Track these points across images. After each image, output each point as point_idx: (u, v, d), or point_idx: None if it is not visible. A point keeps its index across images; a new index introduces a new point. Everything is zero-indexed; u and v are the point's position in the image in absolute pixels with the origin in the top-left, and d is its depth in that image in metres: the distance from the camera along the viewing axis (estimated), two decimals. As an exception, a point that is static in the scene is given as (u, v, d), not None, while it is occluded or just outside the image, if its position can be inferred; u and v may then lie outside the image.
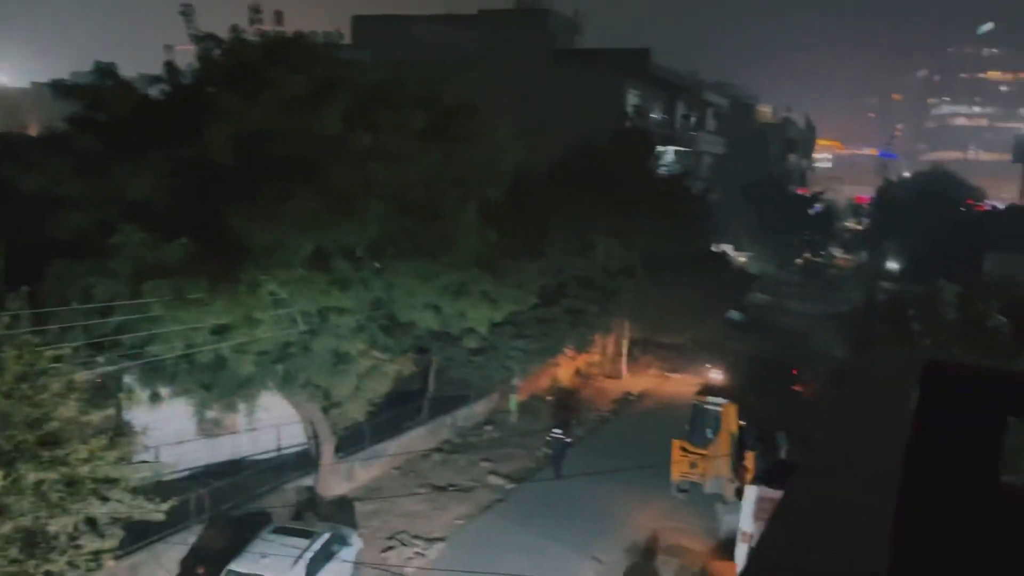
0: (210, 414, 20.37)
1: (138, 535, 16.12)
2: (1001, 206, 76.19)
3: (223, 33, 18.57)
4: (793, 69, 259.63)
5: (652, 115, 45.97)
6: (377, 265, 18.33)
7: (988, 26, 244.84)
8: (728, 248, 53.73)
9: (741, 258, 58.78)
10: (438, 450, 25.97)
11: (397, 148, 17.32)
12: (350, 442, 22.72)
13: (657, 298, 33.59)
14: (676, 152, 49.76)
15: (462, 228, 18.25)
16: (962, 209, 68.64)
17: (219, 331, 16.36)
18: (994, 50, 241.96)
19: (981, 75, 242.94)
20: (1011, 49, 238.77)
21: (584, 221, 28.64)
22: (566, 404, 30.48)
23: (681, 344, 38.25)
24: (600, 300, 28.89)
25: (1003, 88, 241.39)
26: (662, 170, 39.24)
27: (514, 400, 28.74)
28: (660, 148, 42.03)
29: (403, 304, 18.97)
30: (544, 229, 25.26)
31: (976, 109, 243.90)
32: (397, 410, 24.54)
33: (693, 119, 53.40)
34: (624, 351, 35.23)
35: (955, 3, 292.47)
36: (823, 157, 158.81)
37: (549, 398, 31.39)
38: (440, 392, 26.71)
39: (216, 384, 17.89)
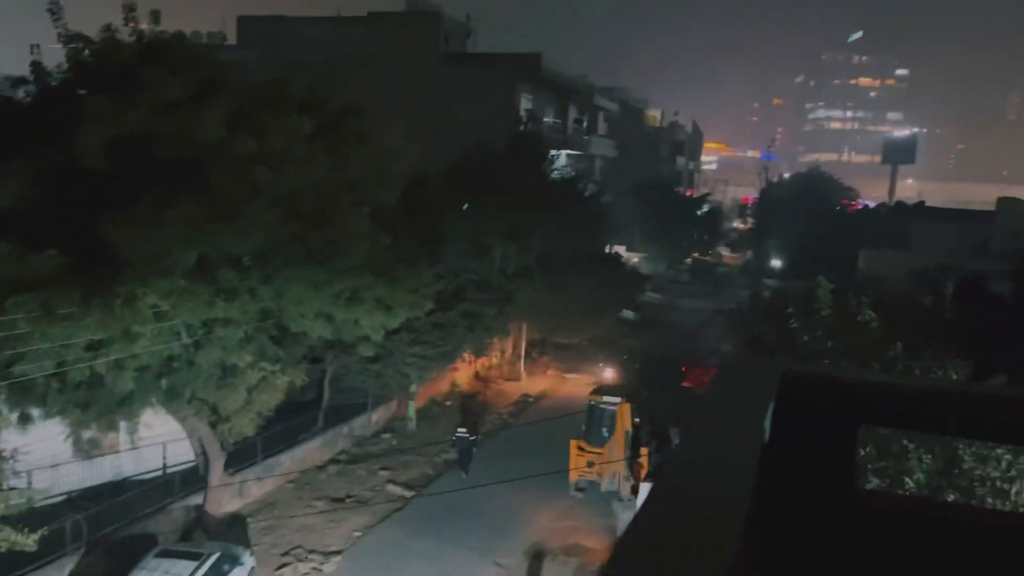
0: (88, 434, 19.26)
1: (6, 569, 15.05)
2: (872, 204, 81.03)
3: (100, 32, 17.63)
4: (681, 75, 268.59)
5: (545, 119, 46.45)
6: (265, 273, 17.75)
7: (858, 35, 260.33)
8: (621, 249, 54.91)
9: (634, 258, 60.20)
10: (335, 461, 25.42)
11: (284, 152, 16.84)
12: (241, 457, 21.94)
13: (553, 299, 34.04)
14: (569, 155, 50.49)
15: (353, 233, 17.92)
16: (837, 208, 72.57)
17: (94, 347, 15.47)
18: (863, 58, 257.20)
19: (852, 81, 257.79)
20: (878, 57, 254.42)
21: (480, 224, 28.70)
22: (469, 406, 30.50)
23: (578, 344, 38.82)
24: (497, 303, 28.99)
25: (872, 94, 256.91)
26: (556, 173, 39.71)
27: (412, 407, 28.48)
28: (553, 151, 42.56)
29: (293, 313, 18.46)
30: (440, 233, 25.16)
31: (849, 113, 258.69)
32: (291, 422, 23.88)
33: (585, 123, 54.31)
34: (522, 353, 35.48)
35: (828, 13, 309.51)
36: (710, 160, 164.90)
37: (448, 403, 31.27)
38: (336, 401, 26.18)
39: (93, 402, 16.92)
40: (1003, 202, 47.38)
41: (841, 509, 1.81)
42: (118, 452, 21.54)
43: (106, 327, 14.77)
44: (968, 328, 15.46)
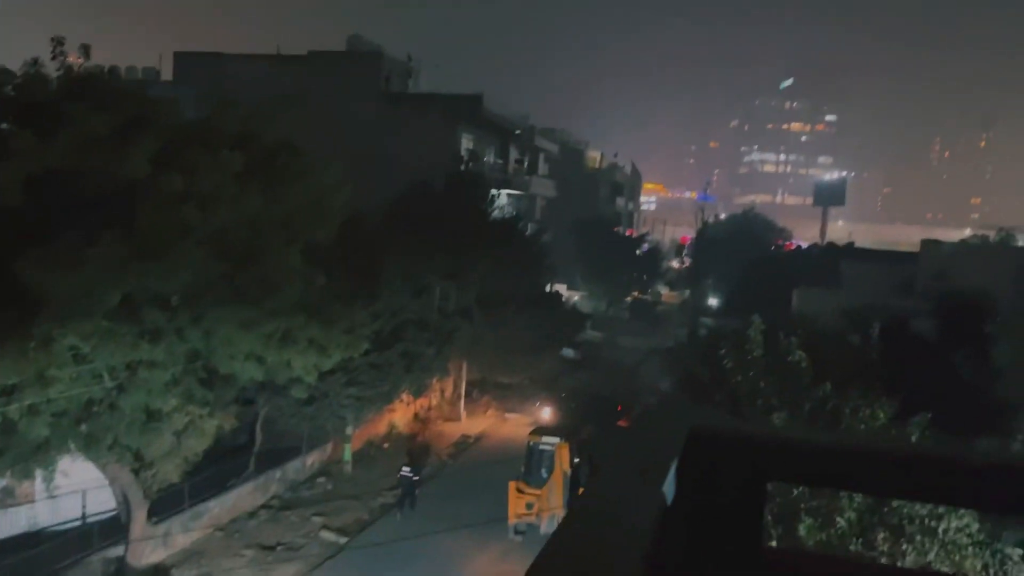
0: (0, 483, 18.27)
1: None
2: (805, 245, 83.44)
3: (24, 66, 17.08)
4: (621, 118, 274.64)
5: (486, 158, 46.76)
6: (193, 314, 17.22)
7: (788, 82, 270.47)
8: (563, 287, 55.24)
9: (575, 297, 60.62)
10: (266, 507, 24.59)
11: (214, 189, 16.48)
12: (167, 504, 21.05)
13: (493, 338, 33.91)
14: (510, 195, 50.81)
15: (286, 272, 17.57)
16: (772, 248, 74.55)
17: (7, 391, 14.72)
18: (794, 104, 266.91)
19: (785, 126, 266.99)
20: (808, 103, 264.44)
21: (420, 263, 28.50)
22: (412, 446, 30.08)
23: (519, 383, 38.65)
24: (436, 342, 28.71)
25: (803, 138, 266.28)
26: (496, 212, 39.87)
27: (348, 450, 27.83)
28: (494, 191, 42.77)
29: (223, 355, 17.93)
30: (378, 272, 24.87)
31: (782, 157, 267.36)
32: (220, 467, 23.06)
33: (526, 163, 54.85)
34: (462, 393, 35.14)
35: (761, 59, 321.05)
36: (649, 200, 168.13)
37: (386, 446, 30.67)
38: (269, 445, 25.41)
39: (6, 450, 16.07)
40: (926, 244, 49.16)
41: (744, 569, 1.74)
42: (33, 502, 20.48)
43: (19, 371, 14.07)
44: (893, 367, 15.84)
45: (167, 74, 46.85)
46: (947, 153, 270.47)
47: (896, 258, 55.35)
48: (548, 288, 46.97)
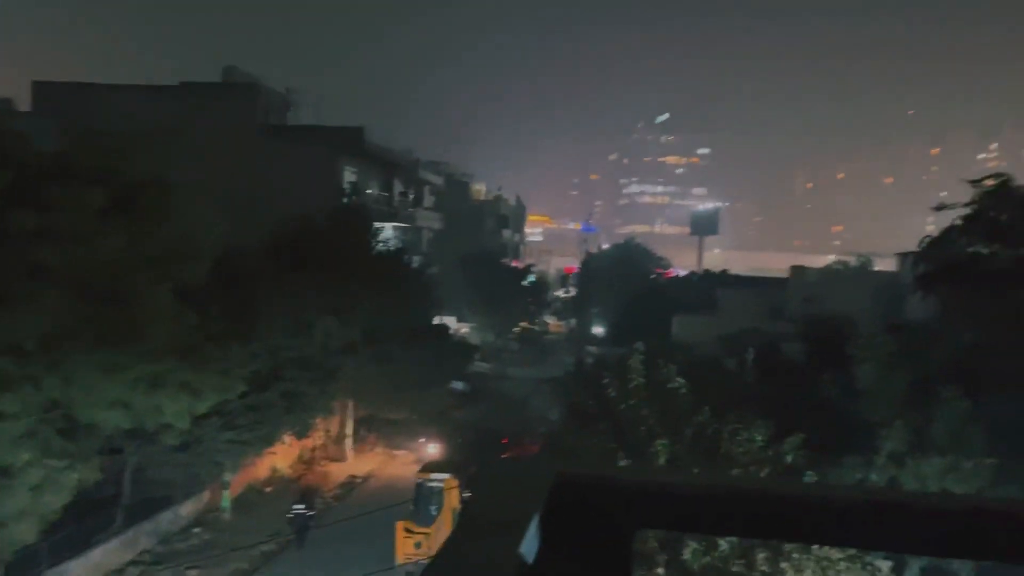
0: None
1: None
2: (683, 273, 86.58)
3: None
4: (506, 152, 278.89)
5: (370, 192, 46.23)
6: (50, 360, 15.99)
7: (664, 116, 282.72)
8: (450, 320, 55.02)
9: (464, 329, 60.49)
10: (136, 563, 23.00)
11: (72, 228, 15.45)
12: (22, 566, 19.32)
13: (380, 374, 33.25)
14: (395, 228, 50.38)
15: (154, 313, 16.62)
16: (652, 276, 76.92)
17: None
18: (670, 137, 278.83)
19: (661, 159, 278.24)
20: (683, 137, 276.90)
21: (301, 299, 27.66)
22: (302, 485, 29.09)
23: (407, 419, 38.00)
24: (320, 380, 27.86)
25: (679, 170, 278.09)
26: (381, 246, 39.36)
27: (227, 496, 26.49)
28: (378, 224, 42.26)
29: (84, 403, 16.72)
30: (256, 310, 23.94)
31: (660, 188, 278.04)
32: (84, 523, 21.42)
33: (411, 196, 54.61)
34: (348, 432, 34.21)
35: (637, 94, 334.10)
36: (535, 231, 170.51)
37: (268, 490, 29.41)
38: (139, 496, 23.83)
39: None
40: (794, 270, 51.93)
41: None
42: None
43: None
44: (767, 390, 16.46)
45: (26, 105, 44.09)
46: (809, 184, 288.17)
47: (768, 284, 58.20)
48: (436, 321, 46.65)
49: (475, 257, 65.74)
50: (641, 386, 14.81)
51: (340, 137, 43.58)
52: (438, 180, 62.40)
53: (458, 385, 46.39)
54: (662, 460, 14.09)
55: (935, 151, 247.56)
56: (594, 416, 16.56)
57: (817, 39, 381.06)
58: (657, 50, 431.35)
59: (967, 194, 18.31)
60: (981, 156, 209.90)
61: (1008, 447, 14.10)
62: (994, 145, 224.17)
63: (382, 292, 32.98)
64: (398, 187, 52.26)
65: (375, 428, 36.77)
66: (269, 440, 26.23)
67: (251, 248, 27.00)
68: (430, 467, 24.48)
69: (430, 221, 59.24)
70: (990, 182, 17.90)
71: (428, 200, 61.43)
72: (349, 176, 43.98)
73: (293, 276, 27.96)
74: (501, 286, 66.06)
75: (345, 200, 40.41)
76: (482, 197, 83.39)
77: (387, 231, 47.50)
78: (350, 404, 33.54)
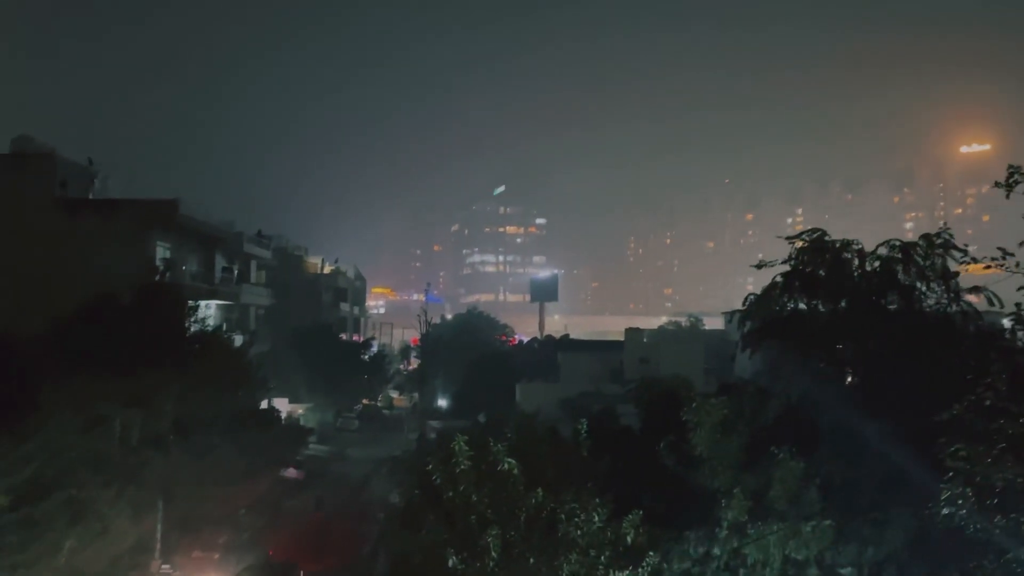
0: None
1: None
2: (526, 339, 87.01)
3: None
4: (347, 227, 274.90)
5: (186, 267, 42.91)
6: None
7: (501, 188, 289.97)
8: (283, 401, 51.68)
9: (299, 411, 57.06)
10: None
11: None
12: None
13: (197, 468, 29.96)
14: (218, 306, 47.03)
15: None
16: (495, 344, 76.59)
17: None
18: (508, 209, 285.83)
19: (501, 229, 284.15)
20: (520, 207, 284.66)
21: (95, 390, 24.41)
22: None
23: (231, 515, 34.50)
24: (118, 482, 24.44)
25: (519, 240, 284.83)
26: (200, 326, 36.20)
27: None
28: (198, 302, 39.07)
29: None
30: (33, 405, 20.70)
31: (500, 258, 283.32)
32: None
33: (236, 271, 51.40)
34: (158, 536, 30.38)
35: (475, 167, 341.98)
36: (378, 304, 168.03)
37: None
38: None
39: None
40: (629, 332, 52.86)
41: None
42: None
43: None
44: (604, 462, 15.54)
45: None
46: (640, 250, 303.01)
47: (606, 347, 59.07)
48: (266, 404, 43.48)
49: (311, 333, 62.77)
50: (468, 470, 13.44)
51: (152, 210, 40.28)
52: (265, 254, 59.40)
53: (291, 472, 43.25)
54: (494, 552, 12.69)
55: (750, 216, 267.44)
56: (421, 507, 14.99)
57: (637, 109, 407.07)
58: (493, 123, 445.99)
59: (784, 253, 18.62)
60: (789, 220, 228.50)
61: (842, 505, 13.80)
62: (800, 210, 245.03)
63: (198, 377, 30.06)
64: (221, 262, 49.05)
65: (192, 529, 33.00)
66: (48, 561, 22.40)
67: (37, 333, 23.69)
68: (252, 570, 21.80)
69: (258, 297, 56.04)
70: (799, 243, 18.26)
71: (256, 275, 58.24)
72: (162, 251, 40.64)
73: (88, 363, 24.76)
74: (339, 362, 63.24)
75: (157, 277, 37.10)
76: (318, 270, 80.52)
77: (209, 310, 44.18)
78: (159, 506, 29.85)
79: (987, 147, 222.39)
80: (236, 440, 31.82)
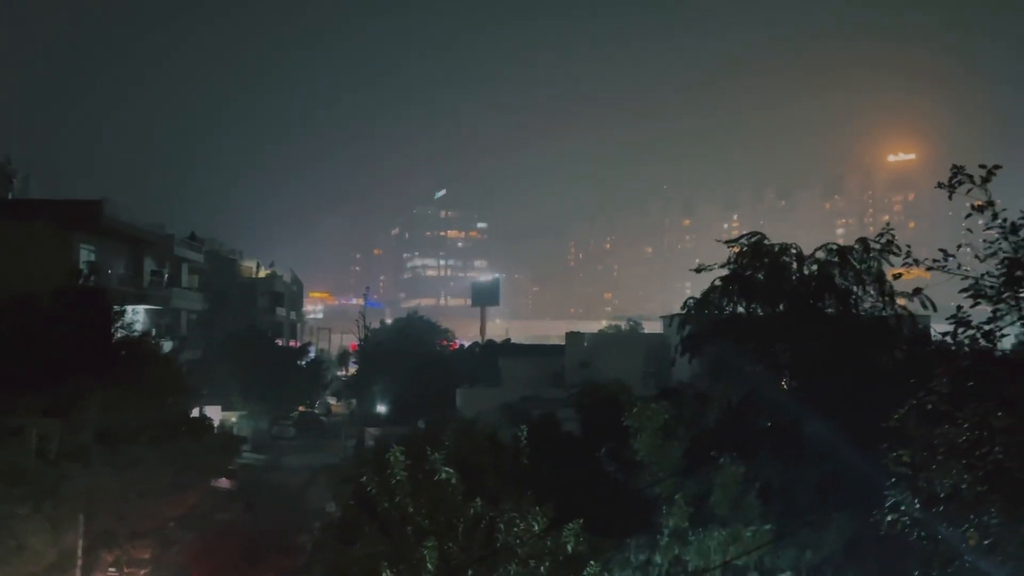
0: None
1: None
2: (467, 344, 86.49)
3: None
4: (285, 230, 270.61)
5: (113, 271, 41.26)
6: None
7: (442, 192, 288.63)
8: (216, 409, 50.12)
9: (232, 418, 55.47)
10: None
11: None
12: None
13: (122, 480, 28.65)
14: (146, 311, 45.38)
15: None
16: (436, 349, 75.84)
17: None
18: (449, 213, 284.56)
19: (442, 233, 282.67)
20: (461, 212, 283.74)
21: (10, 399, 23.13)
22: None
23: (158, 529, 33.16)
24: (35, 496, 23.20)
25: (460, 244, 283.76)
26: (123, 331, 34.75)
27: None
28: (126, 307, 37.57)
29: None
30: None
31: (442, 262, 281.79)
32: None
33: (166, 275, 49.70)
34: (79, 553, 28.97)
35: (415, 170, 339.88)
36: (315, 309, 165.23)
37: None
38: None
39: None
40: (570, 336, 52.86)
41: None
42: None
43: None
44: (545, 469, 15.24)
45: None
46: (581, 255, 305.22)
47: (547, 351, 59.00)
48: (197, 412, 42.04)
49: (244, 338, 61.08)
50: (404, 481, 12.98)
51: (75, 211, 38.65)
52: (198, 257, 57.67)
53: (223, 482, 41.90)
54: (430, 564, 12.26)
55: (687, 222, 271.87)
56: (356, 518, 14.45)
57: (579, 118, 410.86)
58: (433, 125, 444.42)
59: (722, 257, 18.65)
60: (726, 226, 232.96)
61: (781, 509, 13.76)
62: (735, 216, 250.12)
63: (123, 385, 28.79)
64: (150, 266, 47.37)
65: (116, 544, 31.59)
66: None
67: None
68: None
69: (190, 302, 54.34)
70: (737, 247, 18.31)
71: (188, 279, 56.48)
72: (87, 255, 39.00)
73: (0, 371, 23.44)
74: (275, 368, 61.68)
75: (81, 281, 35.51)
76: (253, 274, 78.63)
77: (136, 314, 42.57)
78: (81, 519, 28.47)
79: (912, 156, 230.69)
80: (164, 450, 30.54)
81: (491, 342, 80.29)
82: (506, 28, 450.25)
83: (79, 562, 28.95)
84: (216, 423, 46.33)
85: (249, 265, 78.30)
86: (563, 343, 53.87)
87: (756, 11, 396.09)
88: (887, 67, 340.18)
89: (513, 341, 79.48)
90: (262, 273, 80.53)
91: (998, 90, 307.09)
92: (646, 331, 74.91)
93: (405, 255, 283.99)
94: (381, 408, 64.46)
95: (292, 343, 79.73)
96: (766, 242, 17.53)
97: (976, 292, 8.35)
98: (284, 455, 55.08)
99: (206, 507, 36.87)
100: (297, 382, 67.10)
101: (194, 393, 39.73)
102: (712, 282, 18.14)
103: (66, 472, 25.13)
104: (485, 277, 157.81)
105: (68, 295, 31.62)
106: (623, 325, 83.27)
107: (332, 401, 79.48)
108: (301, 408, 69.41)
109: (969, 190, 8.54)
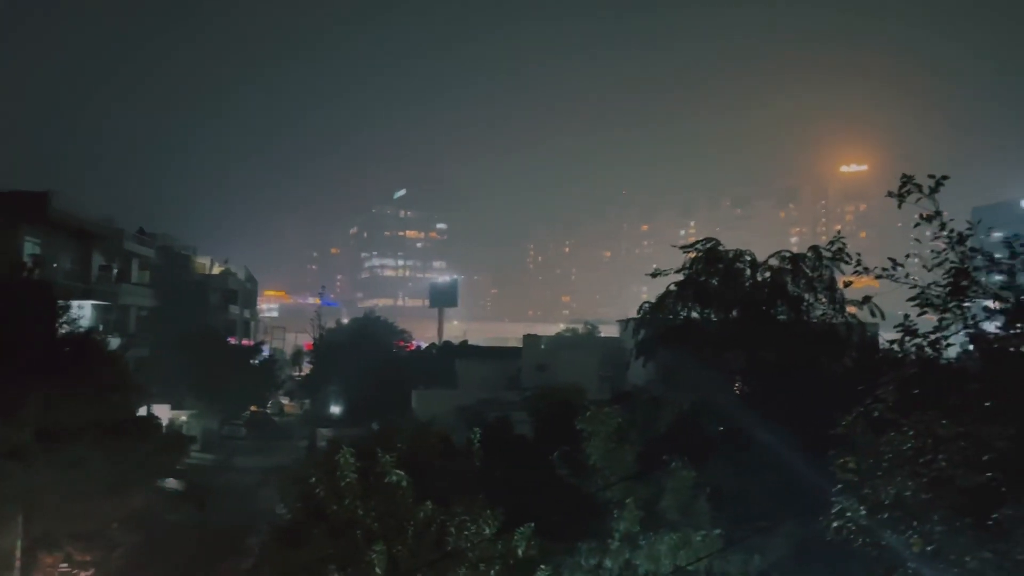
0: None
1: None
2: (424, 345, 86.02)
3: None
4: (243, 227, 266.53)
5: (59, 265, 40.13)
6: None
7: (402, 192, 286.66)
8: (164, 409, 49.08)
9: (182, 417, 54.36)
10: None
11: None
12: None
13: (63, 481, 27.82)
14: (94, 307, 44.23)
15: None
16: (393, 350, 75.24)
17: None
18: (408, 213, 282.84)
19: (401, 233, 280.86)
20: (421, 212, 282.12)
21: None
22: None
23: (102, 531, 32.29)
24: (-30, 497, 22.38)
25: (419, 245, 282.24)
26: (70, 327, 33.78)
27: None
28: (69, 302, 36.53)
29: None
30: None
31: (400, 262, 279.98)
32: None
33: (115, 270, 48.50)
34: (17, 555, 28.08)
35: (375, 170, 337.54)
36: (270, 307, 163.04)
37: None
38: None
39: None
40: (527, 339, 52.88)
41: None
42: None
43: None
44: (497, 472, 15.15)
45: None
46: (540, 258, 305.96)
47: (504, 353, 58.87)
48: (145, 411, 41.11)
49: (196, 336, 59.88)
50: (354, 483, 12.77)
51: (20, 203, 37.47)
52: (149, 252, 56.43)
53: (171, 483, 40.99)
54: (379, 567, 12.07)
55: (645, 227, 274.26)
56: (305, 521, 14.19)
57: (542, 123, 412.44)
58: (394, 128, 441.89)
59: (678, 263, 18.76)
60: (682, 232, 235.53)
61: (731, 514, 13.85)
62: (692, 223, 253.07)
63: (67, 382, 27.97)
64: (99, 260, 46.18)
65: (57, 546, 30.67)
66: None
67: None
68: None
69: (139, 298, 53.14)
70: (693, 253, 18.43)
71: (139, 275, 55.23)
72: (31, 247, 37.86)
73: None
74: (227, 367, 60.57)
75: (25, 275, 34.44)
76: (207, 271, 77.21)
77: (83, 310, 41.46)
78: (20, 521, 27.59)
79: (864, 167, 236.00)
80: (109, 449, 29.75)
81: (448, 343, 79.93)
82: (471, 37, 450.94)
83: (17, 563, 28.07)
84: (165, 422, 45.33)
85: (203, 262, 76.86)
86: (521, 345, 53.84)
87: (715, 21, 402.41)
88: (842, 79, 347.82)
89: (471, 343, 79.19)
90: (216, 270, 79.09)
91: (949, 103, 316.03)
92: (603, 335, 75.27)
93: (363, 255, 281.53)
94: (335, 409, 63.77)
95: (245, 341, 78.47)
96: (721, 248, 17.68)
97: (923, 301, 8.46)
98: (235, 455, 54.18)
99: (153, 508, 36.05)
100: (249, 381, 66.04)
101: (142, 391, 38.77)
102: (668, 287, 18.24)
103: (4, 471, 24.32)
104: (444, 278, 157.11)
105: (10, 288, 30.64)
106: (580, 328, 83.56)
107: (285, 401, 78.45)
108: (253, 408, 68.31)
109: (918, 199, 8.66)
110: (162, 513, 36.63)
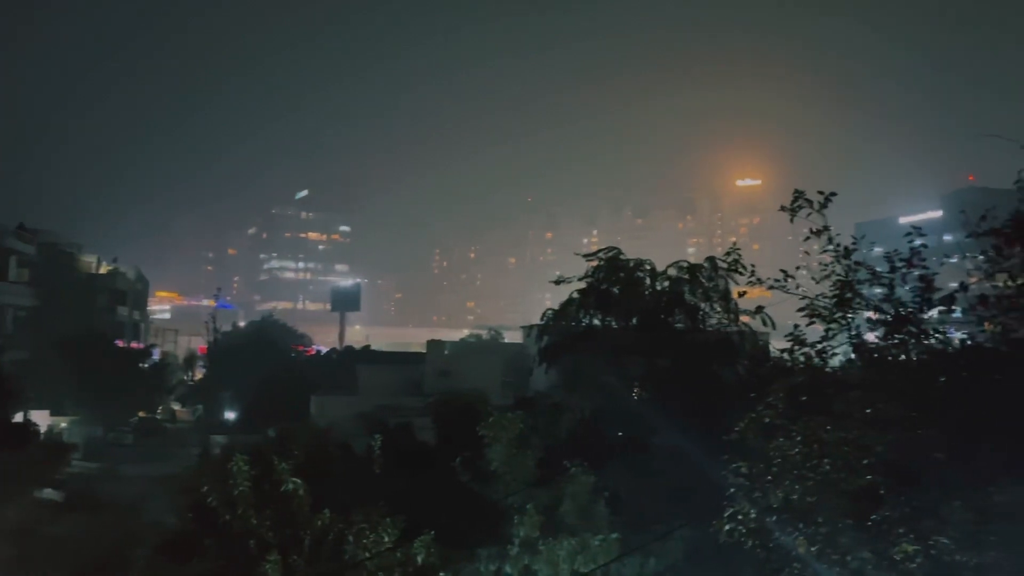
0: None
1: None
2: (325, 350, 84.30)
3: None
4: (133, 226, 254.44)
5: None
6: None
7: (304, 193, 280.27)
8: (42, 415, 46.35)
9: (62, 424, 51.45)
10: None
11: None
12: None
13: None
14: (-34, 306, 41.43)
15: None
16: (292, 355, 73.42)
17: None
18: (310, 214, 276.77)
19: (302, 235, 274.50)
20: (323, 214, 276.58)
21: None
22: None
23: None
24: None
25: (321, 247, 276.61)
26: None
27: None
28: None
29: None
30: None
31: (301, 265, 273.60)
32: None
33: (-9, 267, 45.66)
34: None
35: (275, 170, 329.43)
36: (161, 309, 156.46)
37: None
38: None
39: None
40: (431, 344, 52.57)
41: None
42: None
43: None
44: (398, 479, 14.97)
45: None
46: (445, 263, 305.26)
47: (408, 358, 58.27)
48: (19, 418, 38.70)
49: (80, 338, 56.82)
50: (248, 492, 12.37)
51: None
52: (29, 249, 53.29)
53: (48, 493, 38.72)
54: (274, 581, 11.71)
55: (549, 235, 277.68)
56: (196, 532, 13.64)
57: (448, 125, 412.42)
58: (297, 128, 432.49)
59: (581, 271, 19.07)
60: (585, 240, 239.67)
61: (628, 519, 14.11)
62: (595, 231, 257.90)
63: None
64: (-28, 257, 43.34)
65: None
66: None
67: None
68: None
69: (17, 297, 50.14)
70: (595, 261, 18.78)
71: (17, 273, 52.07)
72: None
73: None
74: (113, 371, 57.70)
75: None
76: (93, 270, 73.46)
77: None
78: None
79: (758, 182, 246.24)
80: (-21, 459, 27.90)
81: (350, 348, 78.63)
82: (381, 40, 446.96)
83: None
84: (43, 429, 42.77)
85: (89, 260, 73.11)
86: (424, 351, 53.43)
87: (618, 27, 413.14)
88: (739, 97, 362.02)
89: (373, 348, 78.15)
90: (103, 269, 75.38)
91: (838, 123, 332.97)
92: (507, 340, 75.64)
93: (262, 256, 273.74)
94: (230, 415, 61.67)
95: (134, 344, 75.00)
96: (622, 257, 18.07)
97: (811, 312, 8.87)
98: (121, 463, 51.55)
99: (29, 521, 33.97)
100: (138, 386, 63.13)
101: (18, 396, 36.52)
102: (571, 294, 18.49)
103: None
104: (346, 282, 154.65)
105: None
106: (484, 334, 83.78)
107: (177, 407, 75.35)
108: (141, 414, 65.31)
109: (808, 214, 9.08)
110: (39, 526, 34.61)
